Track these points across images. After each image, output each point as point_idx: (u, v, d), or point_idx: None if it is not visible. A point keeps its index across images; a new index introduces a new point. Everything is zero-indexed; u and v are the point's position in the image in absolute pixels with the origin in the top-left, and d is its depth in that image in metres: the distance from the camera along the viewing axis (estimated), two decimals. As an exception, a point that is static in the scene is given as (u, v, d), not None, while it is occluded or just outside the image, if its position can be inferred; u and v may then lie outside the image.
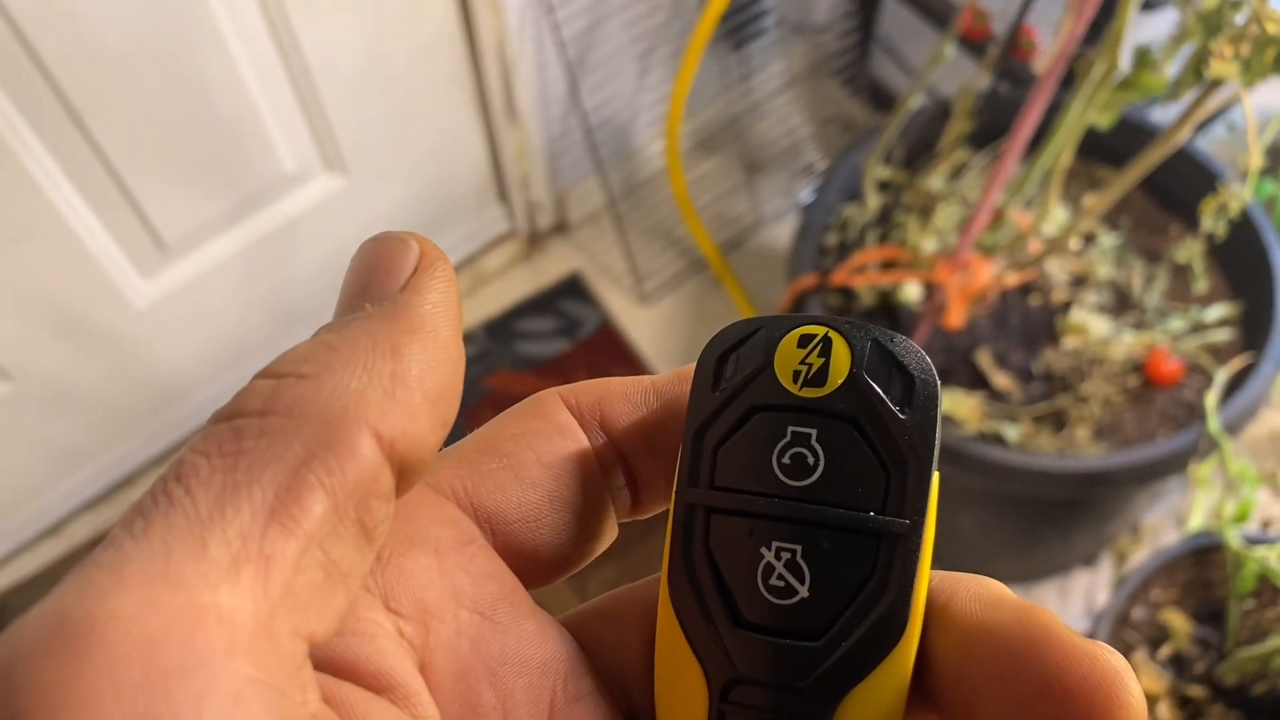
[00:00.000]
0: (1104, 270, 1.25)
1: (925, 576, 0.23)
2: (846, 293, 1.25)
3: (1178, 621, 1.04)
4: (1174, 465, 1.06)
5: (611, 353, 1.55)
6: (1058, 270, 1.25)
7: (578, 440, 0.26)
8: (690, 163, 1.65)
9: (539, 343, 1.56)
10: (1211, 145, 1.57)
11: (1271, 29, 0.69)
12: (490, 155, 1.47)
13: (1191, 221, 1.26)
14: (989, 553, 1.33)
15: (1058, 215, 1.15)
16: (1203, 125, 1.63)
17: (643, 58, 1.49)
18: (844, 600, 0.22)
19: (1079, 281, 1.25)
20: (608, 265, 1.63)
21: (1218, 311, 1.20)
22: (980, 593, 0.22)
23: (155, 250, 1.19)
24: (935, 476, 0.23)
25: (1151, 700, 1.01)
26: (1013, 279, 1.08)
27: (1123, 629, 1.04)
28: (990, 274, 1.05)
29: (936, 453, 0.23)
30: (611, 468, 0.26)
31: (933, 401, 0.23)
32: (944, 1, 1.36)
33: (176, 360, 1.35)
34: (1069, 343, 1.21)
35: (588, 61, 1.41)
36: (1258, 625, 1.02)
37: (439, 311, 0.21)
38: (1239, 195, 1.00)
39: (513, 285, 1.61)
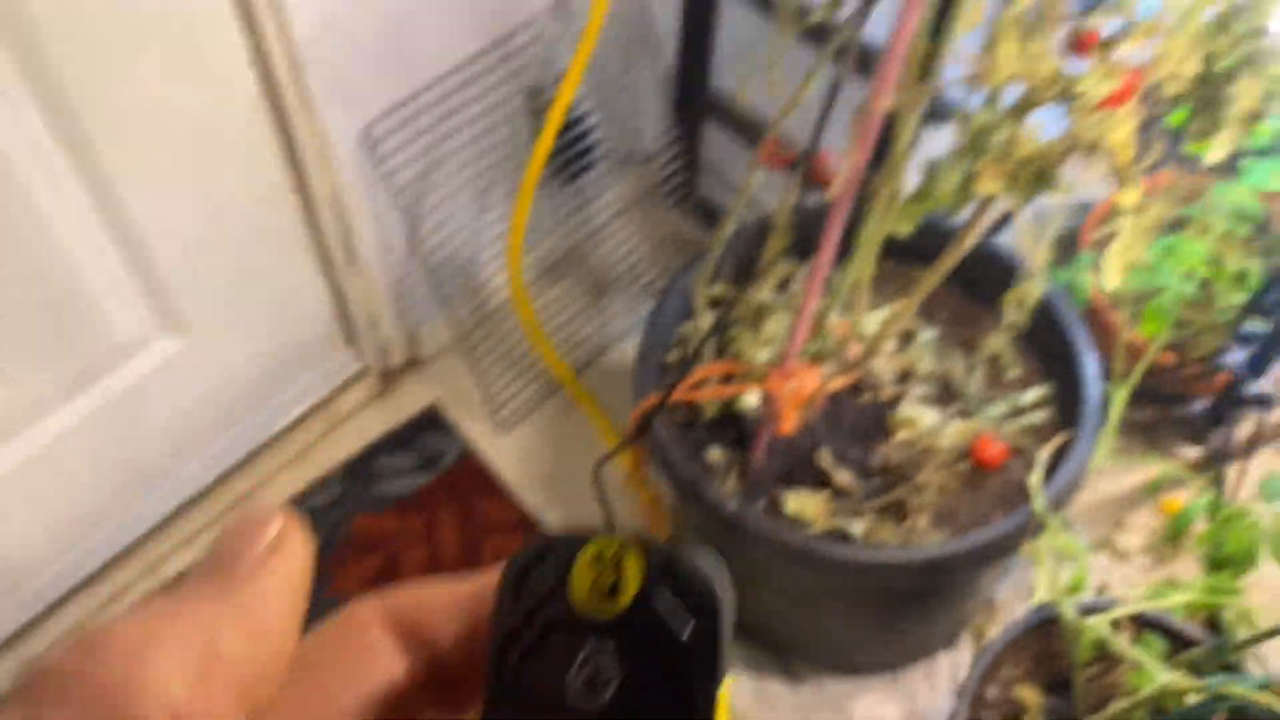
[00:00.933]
0: (926, 364, 1.30)
1: None
2: (691, 407, 1.27)
3: (1029, 696, 1.06)
4: (1008, 546, 1.10)
5: (473, 484, 1.54)
6: (884, 368, 1.30)
7: (389, 660, 0.25)
8: (538, 290, 1.67)
9: (399, 480, 1.53)
10: (1018, 234, 1.67)
11: (1026, 151, 0.75)
12: (335, 301, 1.46)
13: (1001, 312, 1.33)
14: (854, 644, 1.35)
15: (870, 320, 1.20)
16: (1002, 222, 1.73)
17: (480, 196, 1.51)
18: None
19: (905, 377, 1.30)
20: (464, 396, 1.62)
21: (1033, 394, 1.26)
22: None
23: (-14, 431, 1.14)
24: (725, 684, 0.24)
25: (1016, 778, 1.03)
26: (838, 383, 1.12)
27: (980, 709, 1.06)
28: (816, 380, 1.08)
29: (724, 663, 0.24)
30: (425, 679, 0.26)
31: (718, 614, 0.24)
32: (756, 128, 1.43)
33: (21, 540, 1.28)
34: (901, 436, 1.25)
35: (424, 205, 1.43)
36: (1102, 691, 1.05)
37: (274, 596, 0.22)
38: (1033, 289, 1.06)
39: (369, 423, 1.59)
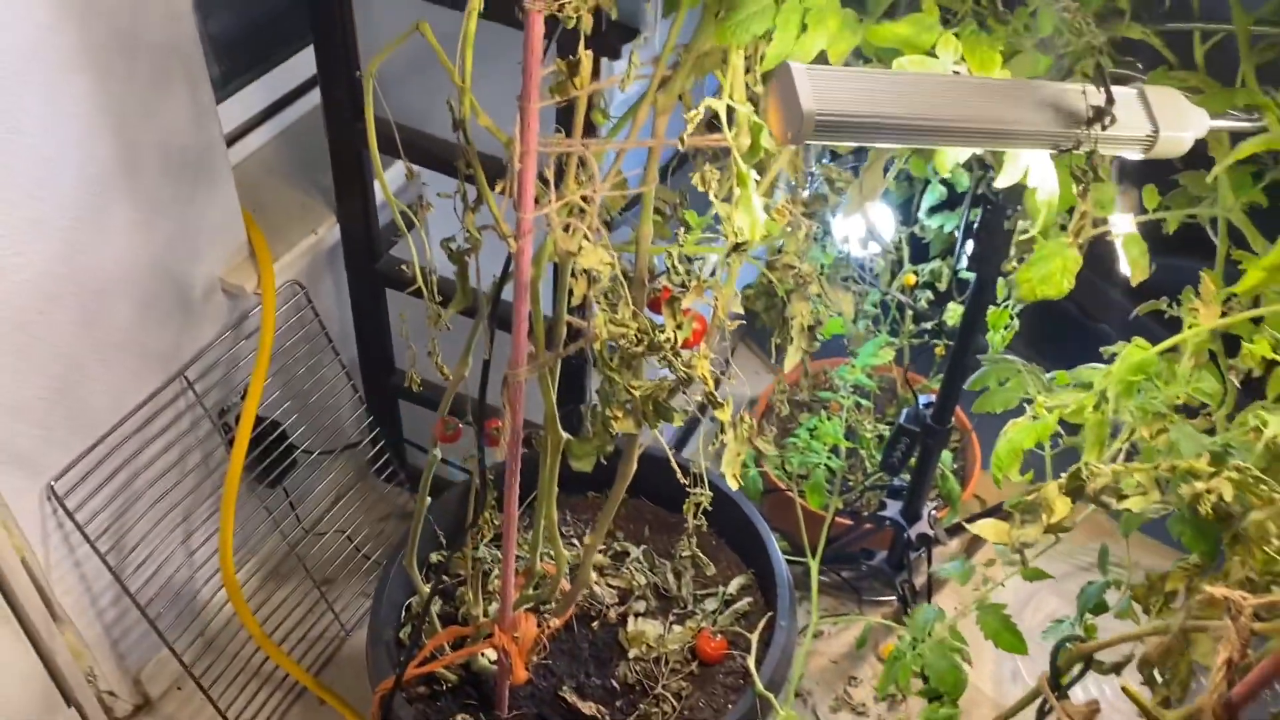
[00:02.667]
0: (640, 579, 1.38)
1: None
2: (433, 678, 1.28)
3: None
4: (743, 732, 1.16)
5: (229, 817, 1.44)
6: (605, 592, 1.37)
7: None
8: (264, 596, 1.64)
9: (147, 837, 1.42)
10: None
11: (642, 392, 0.86)
12: (42, 664, 1.37)
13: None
14: None
15: (566, 557, 1.27)
16: (688, 434, 1.89)
17: (185, 522, 1.48)
18: None
19: (625, 595, 1.38)
20: (203, 726, 1.54)
21: (735, 584, 1.36)
22: None
23: None
24: None
25: None
26: (557, 622, 1.17)
27: None
28: (534, 626, 1.13)
29: None
30: None
31: None
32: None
33: None
34: (634, 653, 1.31)
35: (126, 544, 1.39)
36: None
37: None
38: (705, 494, 1.17)
39: (103, 787, 1.47)
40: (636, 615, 1.35)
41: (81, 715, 1.46)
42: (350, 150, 1.38)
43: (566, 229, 0.82)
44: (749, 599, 1.35)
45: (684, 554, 1.35)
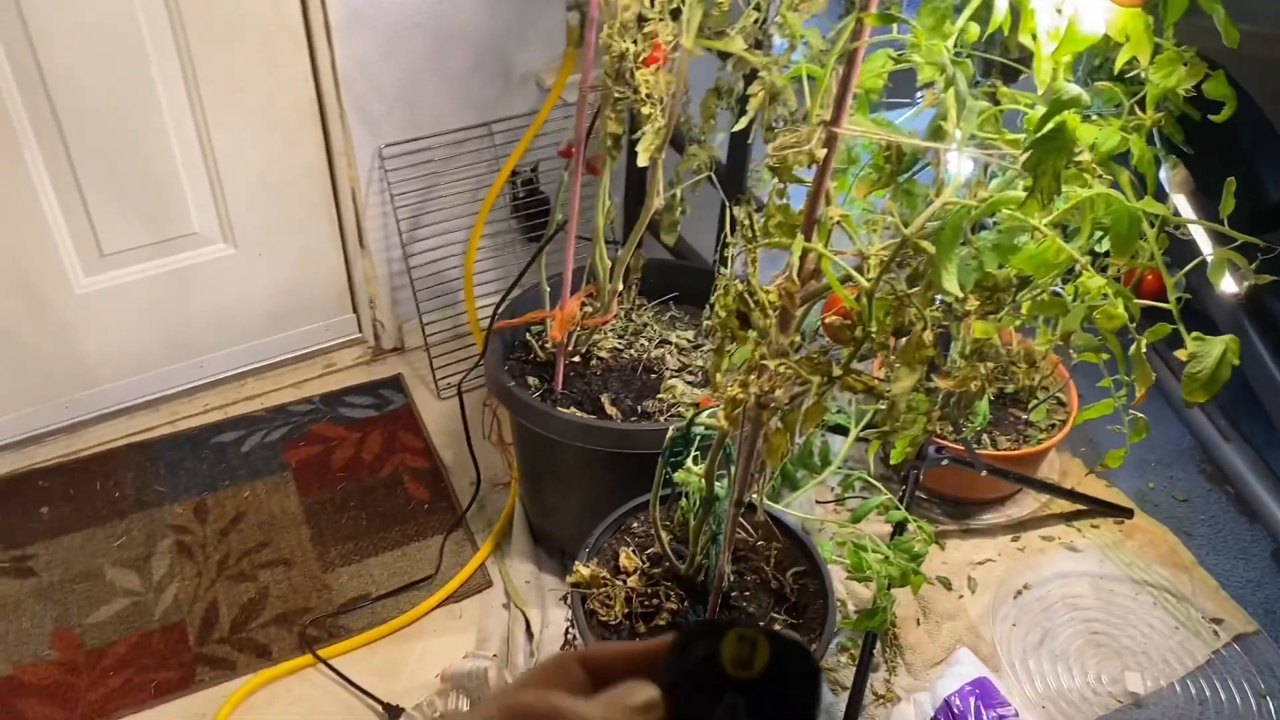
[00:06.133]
0: (701, 362, 1.77)
1: None
2: (529, 353, 1.77)
3: (664, 534, 1.45)
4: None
5: (403, 423, 2.06)
6: (672, 361, 1.78)
7: (581, 683, 0.42)
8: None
9: (355, 410, 2.08)
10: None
11: (622, 98, 1.29)
12: (345, 272, 2.08)
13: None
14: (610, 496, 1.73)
15: (608, 264, 1.67)
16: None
17: (465, 235, 2.12)
18: None
19: (683, 368, 1.77)
20: (422, 376, 2.17)
21: (756, 382, 1.70)
22: None
23: (96, 255, 1.79)
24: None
25: (629, 571, 1.41)
26: (592, 321, 1.62)
27: (625, 535, 1.46)
28: (576, 306, 1.59)
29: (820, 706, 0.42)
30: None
31: (817, 690, 0.37)
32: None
33: (92, 354, 1.90)
34: (661, 394, 1.71)
35: (421, 221, 2.05)
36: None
37: None
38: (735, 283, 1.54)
39: (351, 377, 2.15)
40: (681, 380, 1.74)
41: (358, 323, 2.16)
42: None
43: (613, -24, 1.28)
44: (756, 392, 1.68)
45: (706, 319, 1.72)
